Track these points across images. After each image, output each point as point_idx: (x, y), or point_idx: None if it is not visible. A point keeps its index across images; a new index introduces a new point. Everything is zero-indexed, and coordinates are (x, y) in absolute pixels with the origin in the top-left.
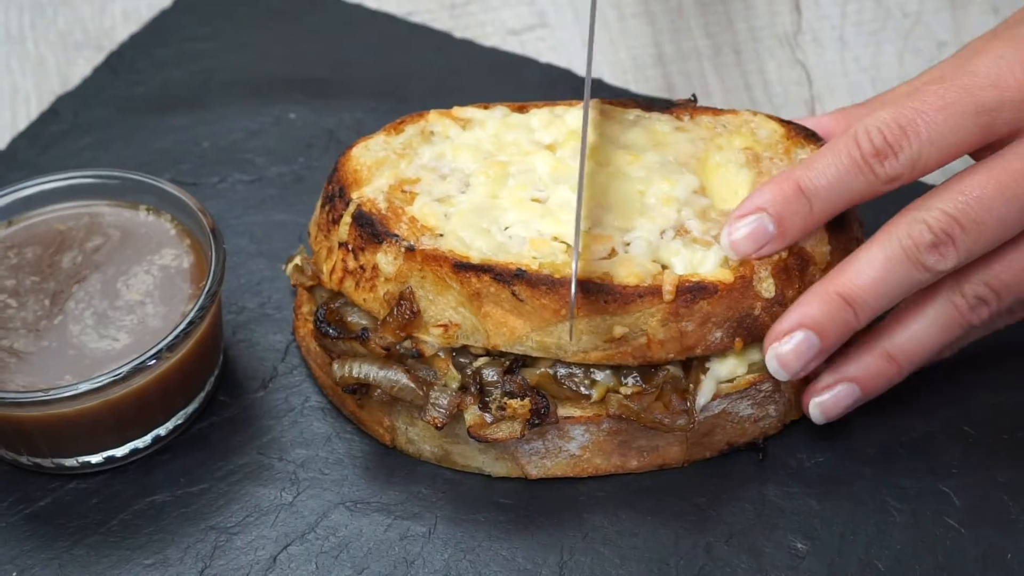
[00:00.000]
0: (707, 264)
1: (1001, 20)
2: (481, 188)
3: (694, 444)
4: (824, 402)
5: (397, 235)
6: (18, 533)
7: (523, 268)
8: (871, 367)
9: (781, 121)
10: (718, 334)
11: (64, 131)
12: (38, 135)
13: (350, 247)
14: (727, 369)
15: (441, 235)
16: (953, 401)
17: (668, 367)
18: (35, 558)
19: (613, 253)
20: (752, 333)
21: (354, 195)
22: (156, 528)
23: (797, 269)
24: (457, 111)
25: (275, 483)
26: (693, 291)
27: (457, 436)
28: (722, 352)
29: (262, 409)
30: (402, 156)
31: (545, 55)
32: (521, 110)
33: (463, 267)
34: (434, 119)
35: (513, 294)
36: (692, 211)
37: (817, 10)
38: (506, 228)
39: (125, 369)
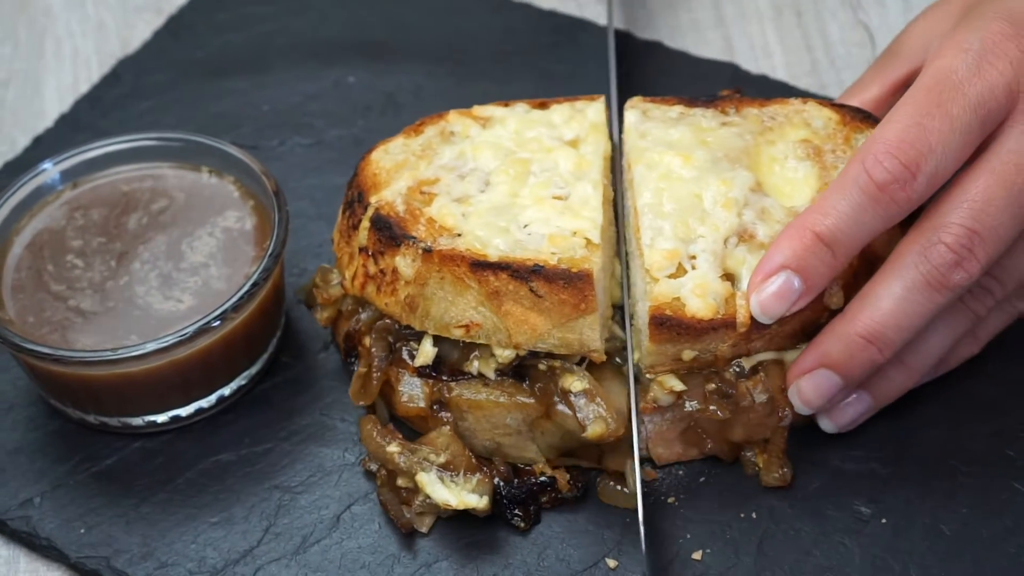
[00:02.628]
0: None
1: None
2: (502, 187)
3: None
4: (835, 413)
5: (415, 237)
6: (85, 491)
7: (540, 264)
8: (883, 376)
9: (834, 106)
10: (780, 342)
11: (125, 94)
12: (99, 98)
13: (370, 252)
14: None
15: (459, 235)
16: (1022, 364)
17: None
18: (102, 515)
19: (680, 270)
20: (811, 337)
21: (372, 199)
22: (221, 487)
23: (865, 273)
24: (477, 110)
25: (338, 443)
26: None
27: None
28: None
29: (324, 370)
30: (421, 157)
31: (604, 18)
32: (543, 106)
33: (480, 266)
34: (454, 119)
35: (531, 290)
36: (753, 213)
37: None
38: (525, 226)
39: (191, 329)
